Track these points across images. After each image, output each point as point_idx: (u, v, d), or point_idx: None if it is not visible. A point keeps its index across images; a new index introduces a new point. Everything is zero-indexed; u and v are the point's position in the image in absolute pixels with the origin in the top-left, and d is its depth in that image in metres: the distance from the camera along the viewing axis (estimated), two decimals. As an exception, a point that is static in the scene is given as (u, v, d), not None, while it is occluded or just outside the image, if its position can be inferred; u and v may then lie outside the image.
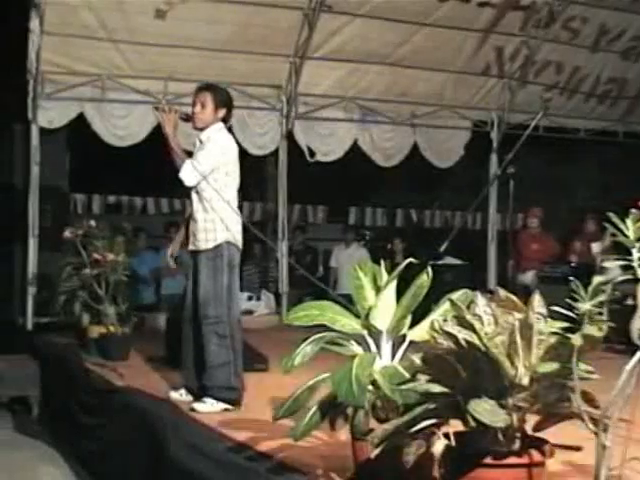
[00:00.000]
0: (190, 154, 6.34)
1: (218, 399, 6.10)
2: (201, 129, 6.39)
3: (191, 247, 6.39)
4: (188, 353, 6.39)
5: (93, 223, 9.08)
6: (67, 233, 8.97)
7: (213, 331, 6.14)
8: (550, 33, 12.88)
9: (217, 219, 6.23)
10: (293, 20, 11.84)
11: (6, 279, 12.70)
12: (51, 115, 11.37)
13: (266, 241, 12.16)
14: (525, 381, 3.06)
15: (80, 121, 11.56)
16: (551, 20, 12.68)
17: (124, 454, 6.41)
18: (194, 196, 6.31)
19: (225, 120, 6.47)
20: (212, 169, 6.21)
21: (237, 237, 6.33)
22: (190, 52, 11.53)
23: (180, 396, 6.34)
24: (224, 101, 6.42)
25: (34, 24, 10.72)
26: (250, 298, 12.54)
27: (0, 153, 13.55)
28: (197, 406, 6.09)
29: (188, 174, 6.20)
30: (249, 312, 12.12)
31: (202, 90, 6.45)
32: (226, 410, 6.05)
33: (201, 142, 6.36)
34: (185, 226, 6.59)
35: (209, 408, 6.05)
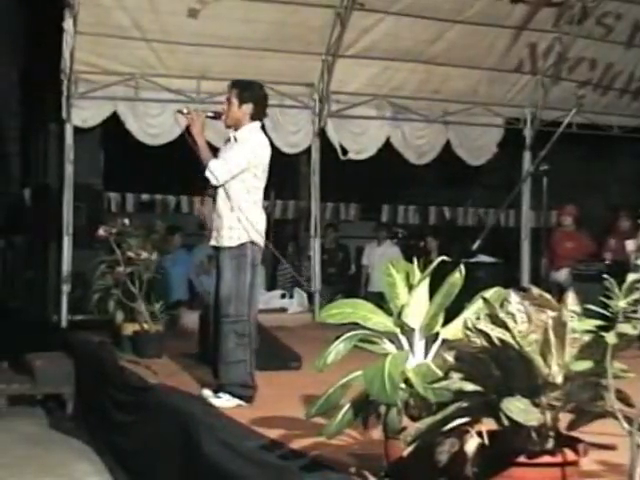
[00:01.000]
0: (215, 151, 6.35)
1: (233, 395, 6.15)
2: (234, 127, 6.39)
3: (213, 242, 6.40)
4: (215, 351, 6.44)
5: (127, 221, 9.13)
6: (101, 231, 9.02)
7: (232, 329, 6.16)
8: (584, 29, 12.80)
9: (243, 218, 6.24)
10: (325, 18, 11.85)
11: (41, 277, 12.80)
12: (85, 114, 11.44)
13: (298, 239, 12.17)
14: (559, 380, 3.04)
15: (113, 120, 11.63)
16: (584, 16, 12.60)
17: (157, 451, 6.44)
18: (221, 193, 6.29)
19: (258, 117, 6.44)
20: (241, 170, 6.20)
21: (260, 238, 6.34)
22: (222, 51, 11.57)
23: (209, 395, 6.35)
24: (250, 97, 6.35)
25: (68, 24, 10.79)
26: (283, 296, 12.56)
27: (35, 153, 13.68)
28: (213, 400, 6.14)
29: (216, 173, 6.20)
30: (282, 310, 12.14)
31: (230, 87, 6.43)
32: (239, 406, 6.10)
33: (235, 140, 6.35)
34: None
35: (224, 403, 6.11)
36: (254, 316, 6.37)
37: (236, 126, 6.36)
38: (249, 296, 6.24)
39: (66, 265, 11.29)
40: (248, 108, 6.32)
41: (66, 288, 11.24)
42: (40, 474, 7.37)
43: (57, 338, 10.83)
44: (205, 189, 6.46)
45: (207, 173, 6.23)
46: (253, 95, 6.39)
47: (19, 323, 13.04)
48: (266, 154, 6.37)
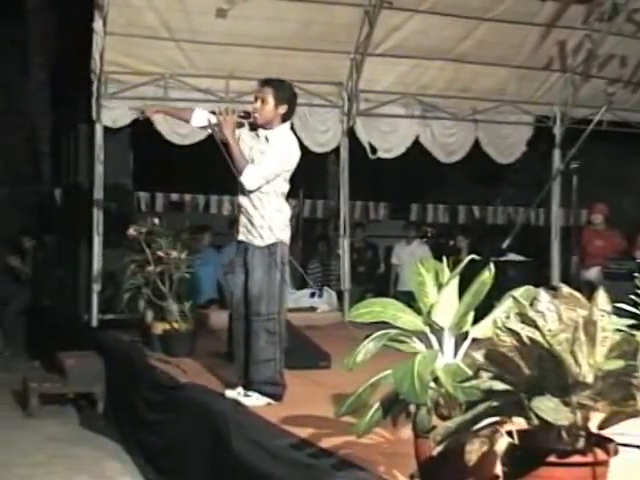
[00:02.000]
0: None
1: (263, 393, 6.17)
2: (263, 126, 6.39)
3: (242, 237, 6.42)
4: (240, 349, 6.44)
5: (157, 221, 9.16)
6: (131, 231, 9.06)
7: (264, 328, 6.18)
8: (614, 26, 12.70)
9: (274, 219, 6.26)
10: (354, 17, 11.84)
11: (71, 277, 12.86)
12: (115, 114, 11.48)
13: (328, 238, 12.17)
14: (589, 379, 3.03)
15: (143, 120, 11.66)
16: (615, 13, 12.49)
17: (187, 450, 6.46)
18: (251, 195, 6.30)
19: (288, 118, 6.45)
20: (275, 176, 6.23)
21: (287, 237, 6.38)
22: (251, 50, 11.59)
23: (238, 395, 6.36)
24: (285, 97, 6.35)
25: (98, 25, 10.84)
26: (313, 295, 12.56)
27: (66, 153, 13.75)
28: (243, 399, 6.16)
29: (252, 179, 6.21)
30: (312, 309, 12.15)
31: (263, 85, 6.40)
32: (269, 405, 6.13)
33: (267, 140, 6.35)
34: None
35: (254, 402, 6.13)
36: (284, 314, 6.39)
37: (268, 125, 6.36)
38: (279, 294, 6.27)
39: (96, 264, 11.34)
40: (283, 109, 6.33)
41: (97, 287, 11.29)
42: (71, 472, 7.42)
43: (88, 337, 10.88)
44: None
45: (242, 178, 6.24)
46: (287, 95, 6.40)
47: (50, 322, 13.13)
48: (297, 158, 6.39)
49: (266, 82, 6.44)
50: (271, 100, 6.30)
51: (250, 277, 6.28)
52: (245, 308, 6.33)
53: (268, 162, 6.24)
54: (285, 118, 6.40)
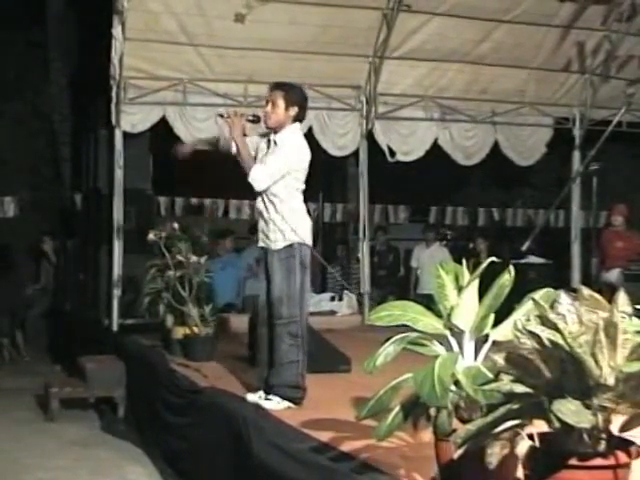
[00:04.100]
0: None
1: (283, 397, 6.16)
2: (274, 129, 6.40)
3: (261, 244, 6.42)
4: (264, 353, 6.45)
5: (176, 225, 9.18)
6: (151, 235, 9.07)
7: (286, 331, 6.18)
8: (632, 27, 12.65)
9: (289, 220, 6.25)
10: (372, 20, 11.85)
11: (92, 281, 12.93)
12: (134, 119, 11.54)
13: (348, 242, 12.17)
14: (610, 381, 3.02)
15: (162, 124, 11.71)
16: (634, 13, 12.44)
17: (209, 453, 6.47)
18: (264, 197, 6.31)
19: (300, 120, 6.46)
20: (282, 175, 6.22)
21: (308, 237, 6.35)
22: (269, 54, 11.61)
23: (259, 398, 6.35)
24: (296, 100, 6.34)
25: (117, 31, 10.88)
26: (333, 298, 12.57)
27: (86, 157, 13.82)
28: (263, 403, 6.16)
29: (258, 178, 6.22)
30: (332, 312, 12.15)
31: (273, 89, 6.40)
32: (289, 408, 6.13)
33: (275, 143, 6.35)
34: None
35: (275, 406, 6.12)
36: (305, 317, 6.38)
37: (278, 128, 6.37)
38: (300, 297, 6.26)
39: (117, 269, 11.37)
40: (294, 111, 6.33)
41: (117, 292, 11.32)
42: (94, 476, 7.47)
43: (109, 341, 10.93)
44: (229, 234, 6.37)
45: (249, 179, 6.25)
46: (298, 98, 6.39)
47: (71, 326, 13.20)
48: (306, 156, 6.36)
49: (276, 85, 6.44)
50: (281, 103, 6.30)
51: (272, 281, 6.28)
52: (268, 311, 6.33)
53: (274, 161, 6.24)
54: (295, 120, 6.40)
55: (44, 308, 14.91)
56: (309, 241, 6.36)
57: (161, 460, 7.70)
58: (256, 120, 6.48)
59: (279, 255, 6.26)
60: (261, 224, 6.41)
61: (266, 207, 6.32)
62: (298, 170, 6.30)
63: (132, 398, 9.35)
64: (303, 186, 6.41)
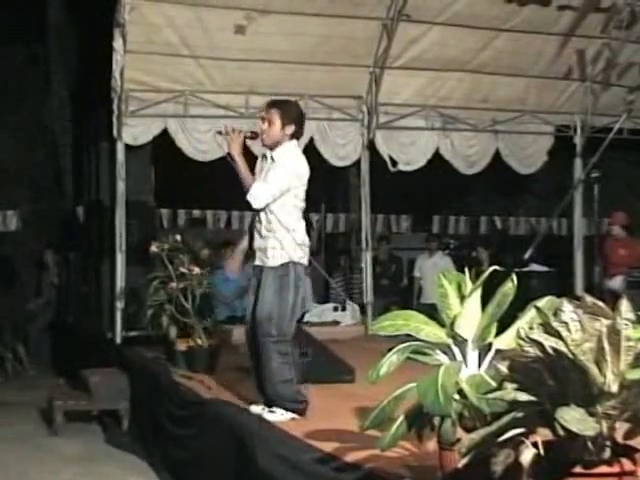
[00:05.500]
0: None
1: (287, 409, 6.17)
2: (270, 147, 6.40)
3: (258, 262, 6.41)
4: (254, 368, 6.47)
5: (178, 237, 9.18)
6: (153, 247, 9.08)
7: (276, 350, 6.16)
8: (633, 34, 12.65)
9: (286, 238, 6.24)
10: (372, 30, 11.85)
11: (95, 293, 12.92)
12: (136, 132, 11.54)
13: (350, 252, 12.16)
14: (614, 388, 3.02)
15: (164, 137, 11.73)
16: (633, 21, 12.44)
17: (213, 465, 6.47)
18: (262, 215, 6.31)
19: (296, 137, 6.45)
20: (282, 192, 6.21)
21: (304, 257, 6.34)
22: (270, 65, 11.62)
23: (262, 410, 6.33)
24: (292, 117, 6.34)
25: (118, 44, 10.89)
26: (336, 309, 12.55)
27: (87, 170, 13.83)
28: (267, 415, 6.16)
29: (257, 196, 6.21)
30: (335, 323, 12.14)
31: (269, 107, 6.40)
32: (293, 419, 6.14)
33: (273, 160, 6.34)
34: (250, 235, 6.56)
35: (279, 418, 6.13)
36: (291, 334, 6.35)
37: (274, 146, 6.36)
38: (290, 316, 6.25)
39: (119, 281, 11.37)
40: (290, 129, 6.33)
41: (120, 304, 11.31)
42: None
43: (112, 354, 10.92)
44: (229, 244, 6.42)
45: (248, 197, 6.24)
46: (294, 116, 6.39)
47: (74, 339, 13.19)
48: (306, 174, 6.36)
49: (272, 104, 6.44)
50: (278, 122, 6.30)
51: (260, 297, 6.24)
52: (255, 329, 6.30)
53: (273, 178, 6.23)
54: (293, 138, 6.40)
55: (47, 321, 14.90)
56: (305, 261, 6.36)
57: (166, 472, 7.69)
58: (255, 137, 6.49)
59: (274, 272, 6.24)
60: (258, 242, 6.39)
61: (265, 224, 6.31)
62: (297, 187, 6.29)
63: (136, 410, 9.34)
64: (303, 204, 6.39)
